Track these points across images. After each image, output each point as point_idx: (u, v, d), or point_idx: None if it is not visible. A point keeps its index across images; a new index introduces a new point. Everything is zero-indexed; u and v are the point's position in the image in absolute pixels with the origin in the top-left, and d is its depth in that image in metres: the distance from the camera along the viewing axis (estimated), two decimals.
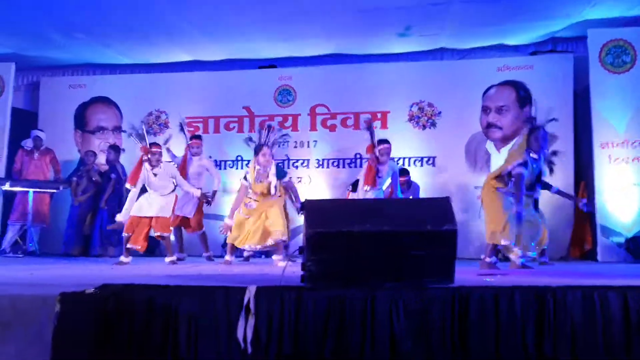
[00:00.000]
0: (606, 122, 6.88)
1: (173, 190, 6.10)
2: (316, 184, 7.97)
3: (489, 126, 7.67)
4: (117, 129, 8.62)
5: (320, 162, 8.03)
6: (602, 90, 6.95)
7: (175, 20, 7.02)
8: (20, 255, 7.06)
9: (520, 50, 7.79)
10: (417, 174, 7.55)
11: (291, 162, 8.07)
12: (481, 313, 2.71)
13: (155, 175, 5.92)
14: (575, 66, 7.39)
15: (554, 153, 5.62)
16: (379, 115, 7.91)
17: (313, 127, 8.11)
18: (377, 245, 2.83)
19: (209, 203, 6.46)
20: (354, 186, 6.14)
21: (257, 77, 8.34)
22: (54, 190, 7.83)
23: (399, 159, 7.61)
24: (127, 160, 8.03)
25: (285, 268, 3.22)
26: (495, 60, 7.76)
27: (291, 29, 7.28)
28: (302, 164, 8.05)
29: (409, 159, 7.77)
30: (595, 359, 2.70)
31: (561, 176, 7.28)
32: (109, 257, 7.08)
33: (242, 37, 7.55)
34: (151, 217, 5.88)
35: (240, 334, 2.75)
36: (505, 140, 7.60)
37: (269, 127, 6.05)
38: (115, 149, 7.83)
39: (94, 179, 7.68)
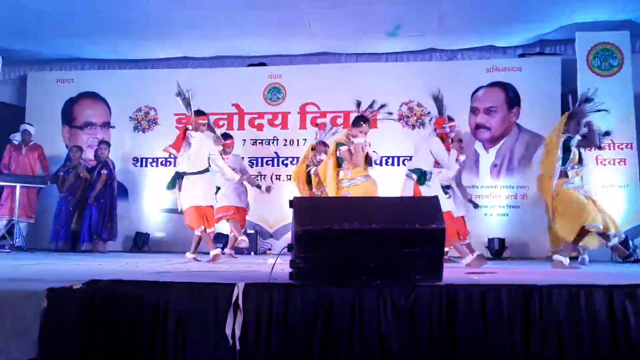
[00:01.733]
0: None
1: (207, 170, 5.68)
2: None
3: (477, 127, 7.73)
4: (106, 125, 8.57)
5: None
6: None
7: (164, 16, 7.00)
8: (8, 250, 7.00)
9: (508, 52, 7.86)
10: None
11: (281, 159, 8.08)
12: (468, 311, 2.73)
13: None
14: (563, 69, 7.47)
15: (607, 133, 5.40)
16: (368, 115, 7.90)
17: (303, 126, 8.12)
18: (366, 243, 2.84)
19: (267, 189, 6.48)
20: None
21: (246, 74, 8.33)
22: (42, 186, 7.78)
23: (388, 157, 7.64)
24: (116, 156, 8.00)
25: (274, 265, 3.22)
26: (484, 61, 7.83)
27: (281, 27, 7.29)
28: (291, 162, 8.06)
29: (398, 158, 7.80)
30: (581, 357, 2.74)
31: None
32: (98, 253, 7.06)
33: (232, 35, 7.54)
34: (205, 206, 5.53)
35: (228, 331, 2.75)
36: (493, 141, 7.66)
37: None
38: (107, 145, 7.80)
39: (81, 174, 7.63)
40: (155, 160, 8.29)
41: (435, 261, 2.90)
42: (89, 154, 8.25)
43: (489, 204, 7.54)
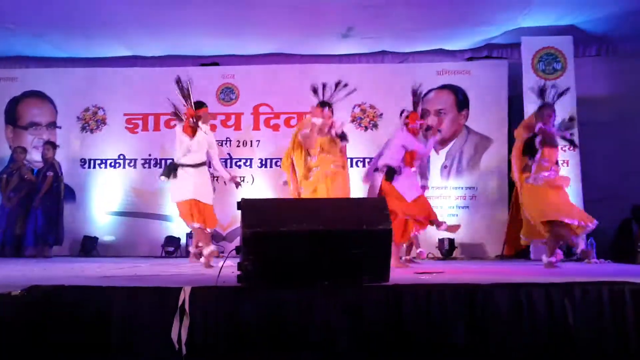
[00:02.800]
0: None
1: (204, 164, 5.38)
2: (259, 184, 7.94)
3: (428, 129, 7.85)
4: (52, 125, 8.30)
5: (263, 162, 8.01)
6: (534, 96, 7.24)
7: (113, 13, 6.83)
8: None
9: (458, 56, 8.03)
10: (359, 175, 7.63)
11: (234, 161, 8.02)
12: (414, 310, 2.79)
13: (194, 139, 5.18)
14: (510, 72, 7.68)
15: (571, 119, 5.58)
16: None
17: (256, 127, 8.08)
18: (314, 245, 2.85)
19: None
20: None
21: (199, 74, 8.19)
22: None
23: None
24: (63, 157, 7.77)
25: (222, 268, 3.20)
26: (434, 64, 7.96)
27: (233, 27, 7.23)
28: (245, 163, 8.01)
29: (352, 159, 7.83)
30: (522, 353, 2.83)
31: (497, 177, 7.59)
32: (43, 258, 6.83)
33: (183, 34, 7.43)
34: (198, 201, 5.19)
35: (174, 336, 2.72)
36: (443, 142, 7.81)
37: None
38: (52, 146, 7.56)
39: (25, 176, 7.38)
40: (103, 161, 8.09)
41: (382, 261, 2.94)
42: (34, 155, 7.98)
43: (439, 205, 7.67)
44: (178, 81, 5.35)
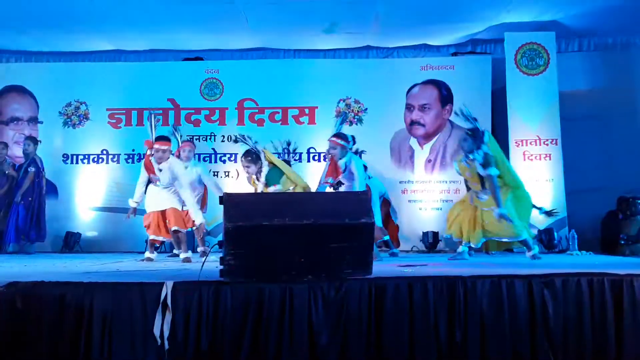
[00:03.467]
0: (521, 121, 7.26)
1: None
2: (243, 179, 7.89)
3: (412, 123, 7.89)
4: (33, 120, 8.19)
5: None
6: (517, 91, 7.32)
7: (95, 6, 6.75)
8: None
9: (442, 51, 8.05)
10: None
11: (218, 156, 7.98)
12: (396, 303, 2.80)
13: (160, 170, 5.30)
14: (493, 67, 7.71)
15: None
16: (306, 111, 7.95)
17: (241, 122, 8.04)
18: (296, 239, 2.86)
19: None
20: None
21: (182, 69, 8.17)
22: None
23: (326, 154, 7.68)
24: (44, 152, 7.67)
25: (204, 263, 3.19)
26: (418, 59, 7.99)
27: (217, 21, 7.18)
28: (229, 158, 7.97)
29: None
30: (502, 344, 2.85)
31: None
32: (25, 254, 6.76)
33: (167, 28, 7.37)
34: (164, 210, 5.34)
35: (157, 331, 2.71)
36: (427, 137, 7.84)
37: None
38: (33, 141, 7.45)
39: (6, 172, 7.28)
40: (86, 157, 8.00)
41: (364, 255, 2.95)
42: (16, 151, 7.86)
43: (424, 199, 7.73)
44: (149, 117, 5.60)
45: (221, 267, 2.88)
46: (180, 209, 5.42)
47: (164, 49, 8.14)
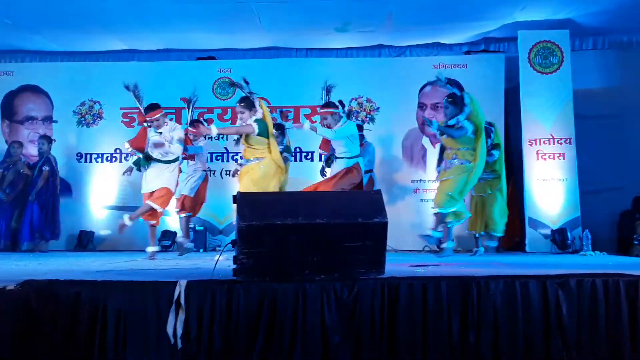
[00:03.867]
0: (535, 120, 7.20)
1: (177, 159, 5.81)
2: None
3: (424, 122, 7.85)
4: (48, 119, 8.27)
5: None
6: (531, 90, 7.26)
7: (109, 7, 6.79)
8: None
9: (454, 49, 8.01)
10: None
11: (231, 155, 8.00)
12: (409, 303, 2.80)
13: (160, 134, 5.65)
14: (507, 66, 7.66)
15: None
16: (318, 110, 7.93)
17: None
18: (309, 238, 2.86)
19: None
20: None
21: (195, 68, 8.20)
22: None
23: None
24: (59, 151, 7.75)
25: (217, 262, 3.20)
26: (431, 58, 7.95)
27: (230, 21, 7.20)
28: (242, 157, 7.96)
29: None
30: (515, 344, 2.84)
31: None
32: (39, 253, 6.83)
33: (180, 27, 7.40)
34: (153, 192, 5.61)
35: (170, 329, 2.72)
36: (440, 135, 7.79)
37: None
38: (48, 140, 7.53)
39: (21, 171, 7.36)
40: (100, 155, 8.06)
41: (377, 255, 2.94)
42: (30, 150, 7.94)
43: None
44: (127, 87, 5.83)
45: (234, 266, 2.88)
46: (172, 187, 5.71)
47: (177, 48, 8.19)
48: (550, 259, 5.13)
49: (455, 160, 5.46)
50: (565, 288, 2.89)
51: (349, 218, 2.91)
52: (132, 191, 7.88)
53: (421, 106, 7.87)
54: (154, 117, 5.66)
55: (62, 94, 8.23)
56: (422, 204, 7.68)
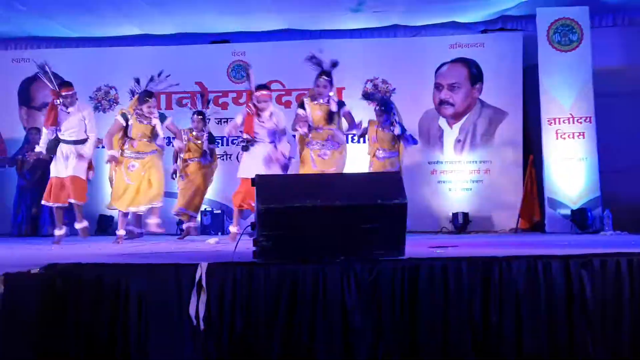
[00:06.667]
0: (554, 99, 7.09)
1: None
2: None
3: (441, 103, 7.77)
4: None
5: None
6: (550, 68, 7.14)
7: None
8: None
9: (471, 28, 7.88)
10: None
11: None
12: (430, 284, 2.78)
13: (68, 113, 5.77)
14: (525, 44, 7.53)
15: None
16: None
17: None
18: (329, 220, 2.85)
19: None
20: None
21: (209, 52, 8.18)
22: None
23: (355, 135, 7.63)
24: None
25: (237, 244, 3.21)
26: (447, 37, 7.83)
27: (243, 3, 7.15)
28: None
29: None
30: (537, 325, 2.82)
31: (512, 150, 7.52)
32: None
33: (193, 11, 7.38)
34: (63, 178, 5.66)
35: (192, 311, 2.74)
36: (457, 116, 7.73)
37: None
38: None
39: (40, 157, 7.42)
40: None
41: (397, 236, 2.93)
42: (49, 135, 8.00)
43: (453, 179, 7.64)
44: (41, 66, 5.93)
45: (254, 248, 2.89)
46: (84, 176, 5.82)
47: (191, 32, 8.16)
48: (571, 239, 5.08)
49: None
50: (588, 268, 2.85)
51: (368, 199, 2.90)
52: None
53: (437, 86, 7.79)
54: (69, 93, 5.78)
55: (78, 79, 8.21)
56: (439, 185, 7.64)
